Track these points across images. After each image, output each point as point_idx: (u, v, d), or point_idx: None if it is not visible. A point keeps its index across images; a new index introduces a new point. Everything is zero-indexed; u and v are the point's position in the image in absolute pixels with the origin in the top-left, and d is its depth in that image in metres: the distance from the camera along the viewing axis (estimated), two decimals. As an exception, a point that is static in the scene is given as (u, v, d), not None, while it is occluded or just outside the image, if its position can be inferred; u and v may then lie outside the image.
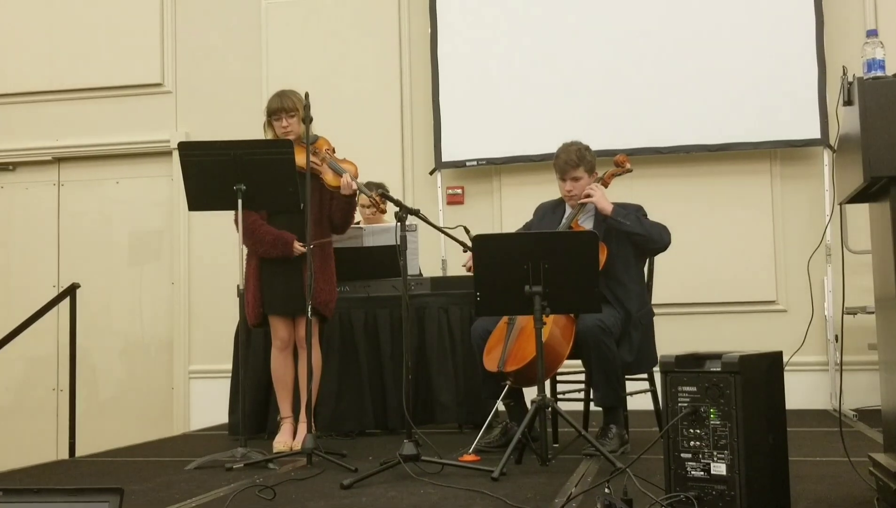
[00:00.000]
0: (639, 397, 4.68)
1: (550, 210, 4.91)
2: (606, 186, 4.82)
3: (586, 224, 4.70)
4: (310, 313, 4.36)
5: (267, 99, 4.94)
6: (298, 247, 4.69)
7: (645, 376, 4.67)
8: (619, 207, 4.63)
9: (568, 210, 4.81)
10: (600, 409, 4.50)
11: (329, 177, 4.70)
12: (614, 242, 4.59)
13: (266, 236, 4.72)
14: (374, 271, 5.42)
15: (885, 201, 2.91)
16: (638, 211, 4.69)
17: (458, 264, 4.98)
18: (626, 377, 4.62)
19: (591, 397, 4.56)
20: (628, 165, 4.96)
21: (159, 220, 7.66)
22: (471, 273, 4.78)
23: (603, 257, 4.45)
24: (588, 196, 4.64)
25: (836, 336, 6.23)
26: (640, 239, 4.60)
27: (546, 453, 4.00)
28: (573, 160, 4.68)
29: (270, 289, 4.80)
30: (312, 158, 4.62)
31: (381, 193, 4.82)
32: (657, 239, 4.62)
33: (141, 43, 7.58)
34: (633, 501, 2.84)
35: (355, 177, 4.71)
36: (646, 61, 6.68)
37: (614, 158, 5.00)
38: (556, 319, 4.34)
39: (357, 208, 6.05)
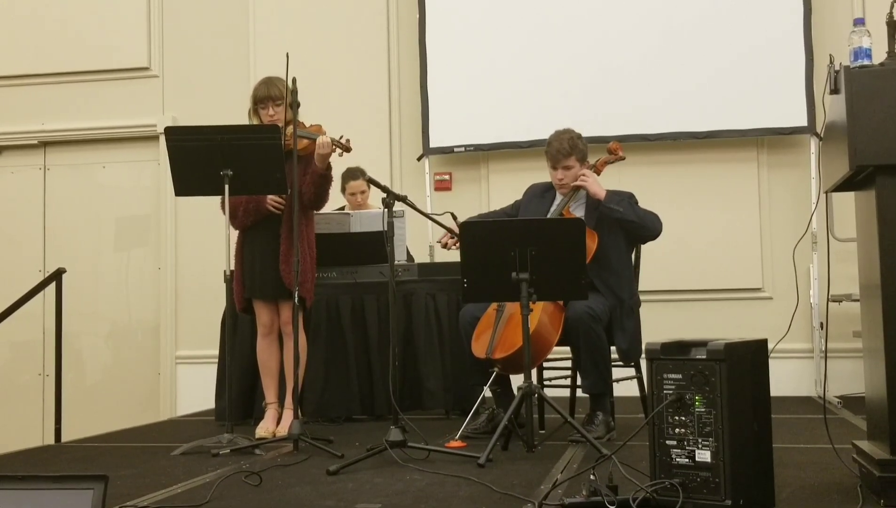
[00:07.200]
0: (625, 383, 4.69)
1: (539, 194, 4.90)
2: (599, 174, 4.81)
3: (577, 211, 4.69)
4: (296, 299, 4.36)
5: (254, 84, 4.92)
6: (270, 200, 4.70)
7: (632, 363, 4.68)
8: (611, 193, 4.62)
9: (558, 197, 4.81)
10: (587, 396, 4.51)
11: (301, 145, 4.63)
12: (606, 230, 4.58)
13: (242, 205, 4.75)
14: (362, 258, 5.40)
15: (870, 190, 2.93)
16: (630, 198, 4.69)
17: (447, 250, 4.97)
18: (620, 365, 4.64)
19: (579, 383, 4.57)
20: (621, 153, 4.96)
21: (146, 205, 7.63)
22: (446, 249, 4.80)
23: (593, 246, 4.45)
24: (581, 181, 4.64)
25: (822, 324, 6.26)
26: (632, 226, 4.59)
27: (532, 439, 4.01)
28: (565, 149, 4.67)
29: (251, 272, 4.80)
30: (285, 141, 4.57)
31: (367, 178, 4.80)
32: (650, 226, 4.62)
33: (128, 26, 7.54)
34: (618, 487, 2.85)
35: (323, 134, 4.68)
36: (634, 48, 6.67)
37: (608, 146, 5.00)
38: (544, 306, 4.34)
39: (346, 197, 6.06)
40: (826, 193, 3.39)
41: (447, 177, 7.04)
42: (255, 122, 4.79)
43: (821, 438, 3.72)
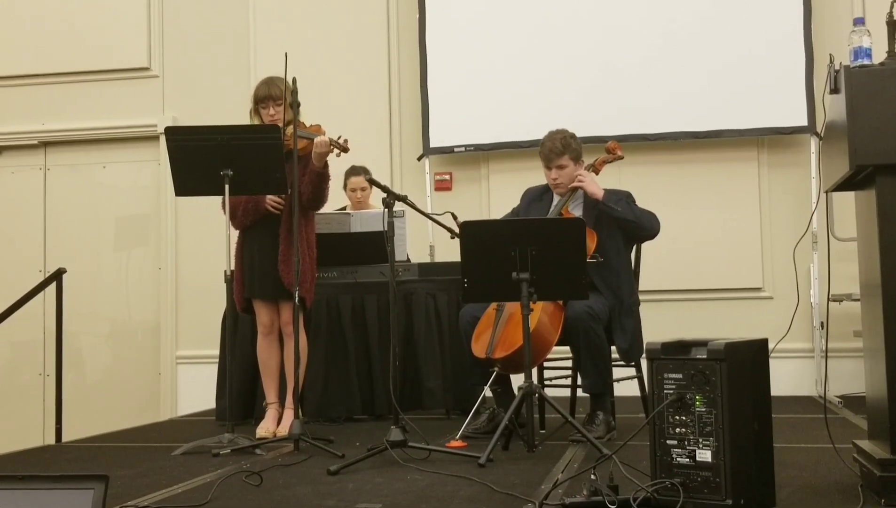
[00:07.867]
0: (625, 383, 4.69)
1: (537, 196, 4.90)
2: (598, 173, 4.82)
3: (576, 211, 4.70)
4: (296, 299, 4.36)
5: (254, 84, 4.92)
6: (269, 200, 4.70)
7: (633, 362, 4.68)
8: (609, 193, 4.63)
9: (555, 197, 4.81)
10: (587, 395, 4.51)
11: (301, 145, 4.61)
12: (605, 229, 4.59)
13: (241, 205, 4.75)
14: (362, 257, 5.41)
15: (870, 189, 2.93)
16: (627, 198, 4.70)
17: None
18: (621, 365, 4.64)
19: (579, 383, 4.57)
20: (620, 152, 4.96)
21: (146, 205, 7.63)
22: None
23: (592, 245, 4.45)
24: (579, 182, 4.64)
25: (822, 323, 6.26)
26: (630, 225, 4.60)
27: (533, 439, 4.01)
28: (558, 148, 4.67)
29: (250, 272, 4.80)
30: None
31: (368, 178, 4.79)
32: (647, 226, 4.62)
33: (128, 26, 7.54)
34: (618, 487, 2.85)
35: (322, 134, 4.67)
36: (634, 48, 6.67)
37: (606, 145, 5.00)
38: (544, 306, 4.35)
39: (347, 193, 6.06)
40: (826, 192, 3.39)
41: (447, 177, 7.04)
42: (256, 122, 4.79)
43: (821, 438, 3.73)
